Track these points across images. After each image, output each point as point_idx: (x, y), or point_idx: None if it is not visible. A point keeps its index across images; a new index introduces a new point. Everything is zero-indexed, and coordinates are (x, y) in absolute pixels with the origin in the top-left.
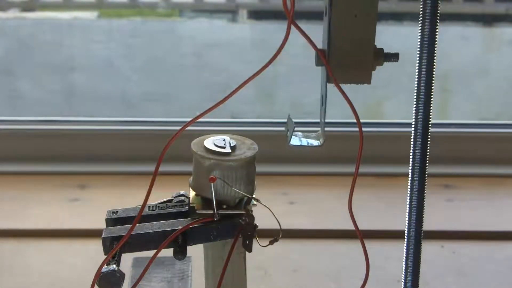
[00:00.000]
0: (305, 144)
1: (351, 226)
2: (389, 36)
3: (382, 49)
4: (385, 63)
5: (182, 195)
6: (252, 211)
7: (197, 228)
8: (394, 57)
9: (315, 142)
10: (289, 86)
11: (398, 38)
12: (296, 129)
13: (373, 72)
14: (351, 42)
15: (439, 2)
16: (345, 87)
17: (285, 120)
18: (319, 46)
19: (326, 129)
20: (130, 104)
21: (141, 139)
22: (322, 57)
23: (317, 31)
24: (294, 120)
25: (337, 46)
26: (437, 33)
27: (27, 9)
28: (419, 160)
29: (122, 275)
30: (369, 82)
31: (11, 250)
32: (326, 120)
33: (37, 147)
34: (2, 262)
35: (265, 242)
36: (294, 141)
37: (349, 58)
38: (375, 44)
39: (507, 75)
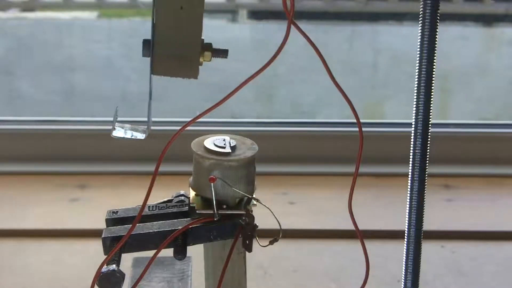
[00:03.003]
0: (129, 136)
1: (351, 226)
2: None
3: (210, 44)
4: None
5: (182, 195)
6: (252, 211)
7: (197, 228)
8: (222, 53)
9: (139, 135)
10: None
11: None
12: (125, 121)
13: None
14: (176, 34)
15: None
16: (345, 87)
17: (285, 120)
18: (319, 46)
19: (326, 129)
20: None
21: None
22: (147, 48)
23: (317, 31)
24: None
25: (162, 37)
26: (437, 33)
27: (27, 9)
28: (419, 160)
29: (122, 275)
30: (195, 77)
31: (11, 250)
32: (329, 120)
33: (37, 147)
34: (2, 262)
35: (265, 242)
36: (118, 132)
37: (175, 51)
38: (203, 38)
39: (507, 75)
